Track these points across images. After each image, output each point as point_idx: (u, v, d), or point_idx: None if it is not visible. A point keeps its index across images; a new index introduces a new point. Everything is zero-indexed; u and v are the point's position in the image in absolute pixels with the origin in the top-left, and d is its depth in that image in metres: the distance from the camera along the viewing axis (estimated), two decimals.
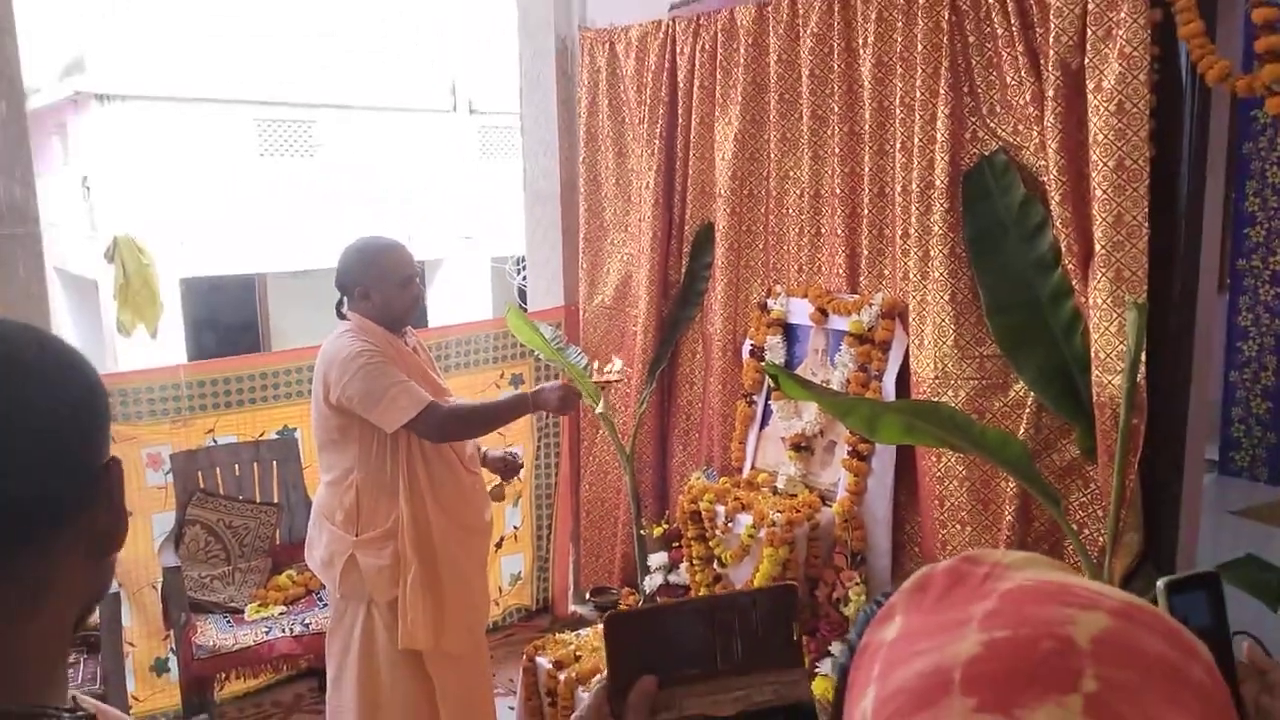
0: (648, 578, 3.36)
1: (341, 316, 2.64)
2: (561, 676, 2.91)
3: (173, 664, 3.30)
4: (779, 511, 2.90)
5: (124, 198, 7.62)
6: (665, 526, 3.39)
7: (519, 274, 9.64)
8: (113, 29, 7.52)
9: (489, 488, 2.87)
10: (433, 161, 9.96)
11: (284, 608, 3.26)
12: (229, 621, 3.19)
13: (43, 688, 0.68)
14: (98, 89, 7.55)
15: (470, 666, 2.75)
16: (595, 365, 3.20)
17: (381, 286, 2.58)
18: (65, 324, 7.58)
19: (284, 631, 3.11)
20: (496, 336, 4.05)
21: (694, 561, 3.11)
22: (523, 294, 9.61)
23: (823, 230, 3.20)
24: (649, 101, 3.66)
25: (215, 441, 3.47)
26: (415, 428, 2.49)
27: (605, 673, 0.73)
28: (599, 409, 3.31)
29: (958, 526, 2.75)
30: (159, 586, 3.21)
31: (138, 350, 6.94)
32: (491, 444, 3.06)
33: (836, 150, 3.07)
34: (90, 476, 0.69)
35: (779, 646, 0.73)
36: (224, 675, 3.08)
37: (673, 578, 3.27)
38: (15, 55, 2.96)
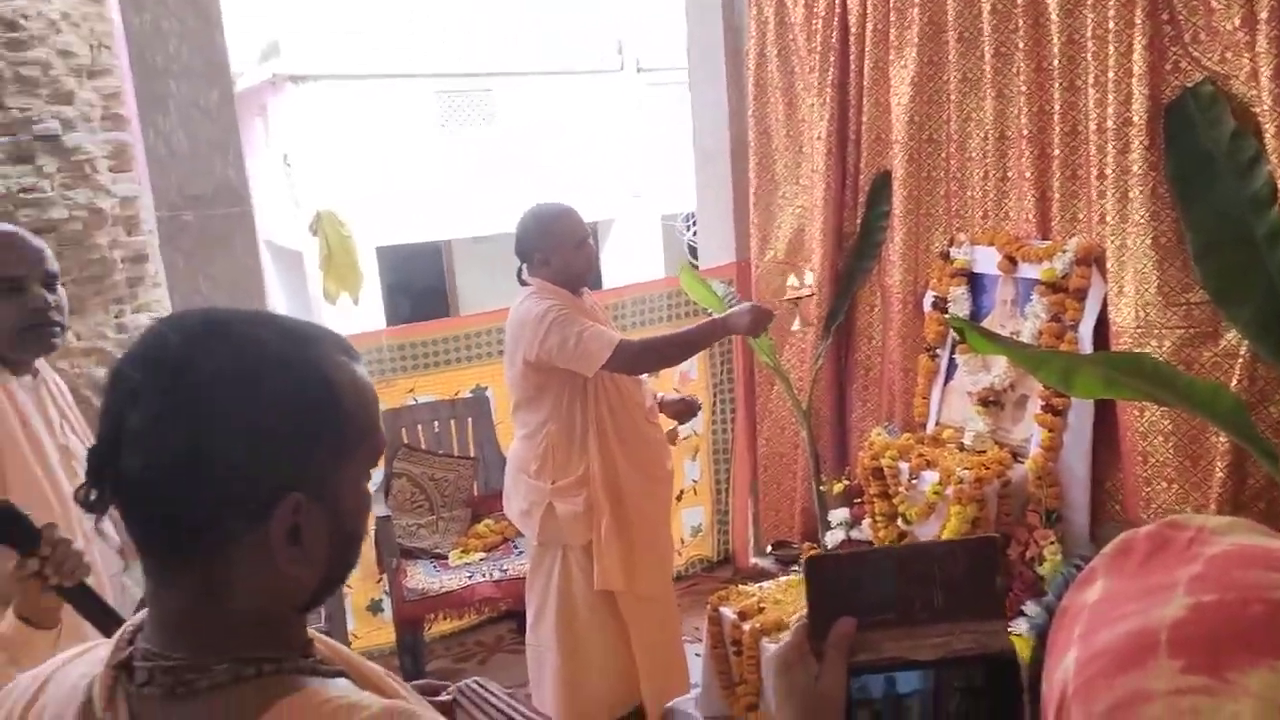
0: (829, 533, 3.37)
1: (523, 283, 2.77)
2: (746, 627, 2.97)
3: (386, 605, 3.59)
4: (966, 469, 2.84)
5: (321, 172, 8.16)
6: (846, 483, 3.38)
7: (689, 230, 9.69)
8: (305, 13, 8.00)
9: (665, 432, 2.97)
10: (602, 121, 10.11)
11: (483, 554, 3.48)
12: (435, 567, 3.43)
13: (259, 645, 0.75)
14: (293, 71, 8.07)
15: (661, 609, 2.88)
16: (791, 281, 3.20)
17: (558, 251, 2.69)
18: (276, 294, 8.21)
19: (485, 576, 3.32)
20: (670, 295, 4.11)
21: (877, 518, 3.10)
22: (693, 250, 9.67)
23: (1009, 174, 3.06)
24: (819, 49, 3.59)
25: (416, 400, 3.72)
26: (613, 364, 2.59)
27: (805, 611, 0.76)
28: (794, 326, 3.33)
29: (1164, 484, 2.62)
30: (371, 533, 3.49)
31: (342, 316, 7.46)
32: (669, 394, 3.16)
33: (1023, 88, 2.93)
34: (270, 495, 0.73)
35: (980, 597, 0.74)
36: (432, 616, 3.33)
37: (855, 534, 3.27)
38: (223, 46, 3.23)
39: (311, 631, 0.82)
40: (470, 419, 3.78)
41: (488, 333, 3.78)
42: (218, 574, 0.73)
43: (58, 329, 1.89)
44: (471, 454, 3.76)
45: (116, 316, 4.17)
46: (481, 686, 1.04)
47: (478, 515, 3.68)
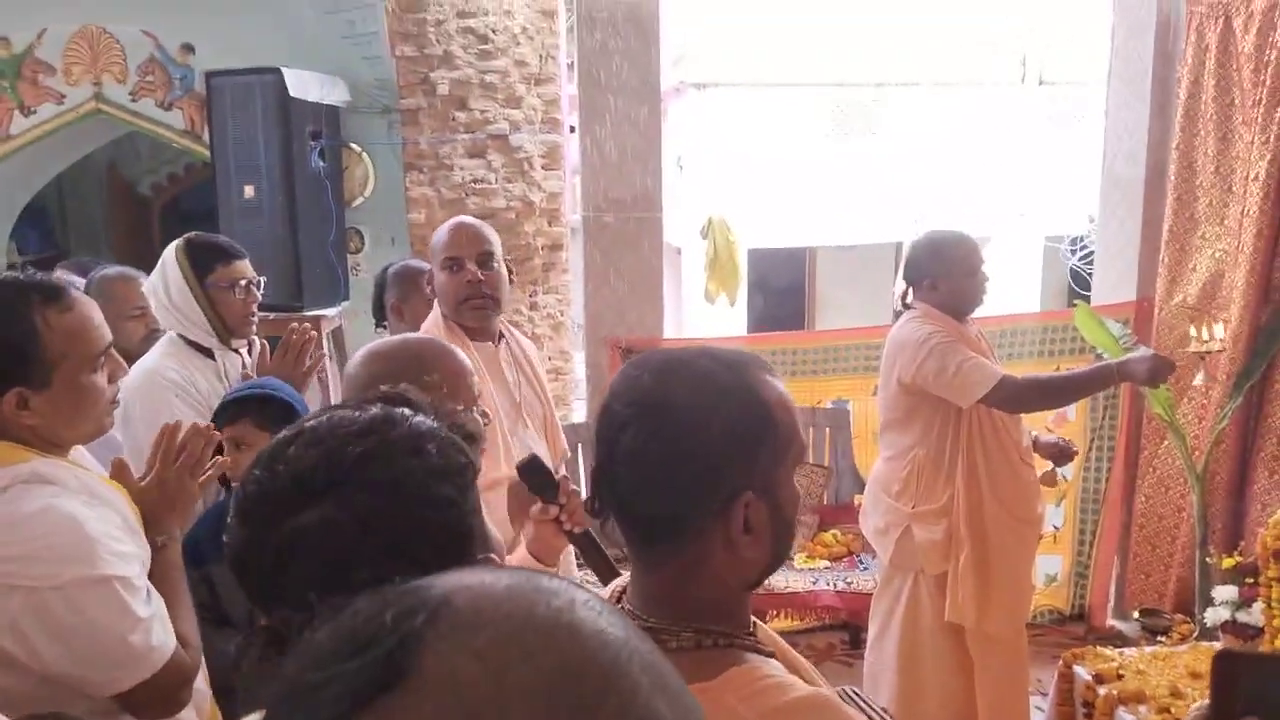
0: (1210, 610, 3.07)
1: (907, 307, 2.80)
2: (1102, 691, 2.81)
3: None
4: None
5: (710, 175, 8.62)
6: (1238, 559, 3.06)
7: (1074, 255, 9.03)
8: (710, 24, 8.47)
9: (1040, 474, 2.87)
10: (993, 135, 9.69)
11: (828, 563, 3.57)
12: (782, 566, 3.58)
13: (717, 620, 0.92)
14: (696, 79, 8.58)
15: (1009, 652, 2.80)
16: (1192, 332, 2.97)
17: (950, 277, 2.69)
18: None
19: (828, 585, 3.41)
20: (1046, 329, 3.92)
21: (1274, 605, 2.78)
22: (1074, 276, 9.00)
23: None
24: (1268, 82, 3.25)
25: None
26: (992, 399, 2.57)
27: (1204, 703, 0.78)
28: (1197, 380, 3.08)
29: None
30: None
31: (710, 313, 7.87)
32: (1043, 433, 3.04)
33: None
34: (728, 496, 0.90)
35: None
36: (774, 612, 3.47)
37: (1242, 616, 2.95)
38: (658, 66, 3.56)
39: (756, 621, 0.97)
40: (828, 429, 3.87)
41: (855, 348, 3.84)
42: (689, 561, 0.92)
43: (487, 301, 2.19)
44: (826, 463, 3.85)
45: (531, 296, 4.76)
46: (858, 694, 1.14)
47: (825, 524, 3.77)
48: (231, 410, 1.95)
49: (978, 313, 2.79)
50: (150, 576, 1.43)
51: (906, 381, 2.66)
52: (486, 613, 0.40)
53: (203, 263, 2.37)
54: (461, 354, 1.56)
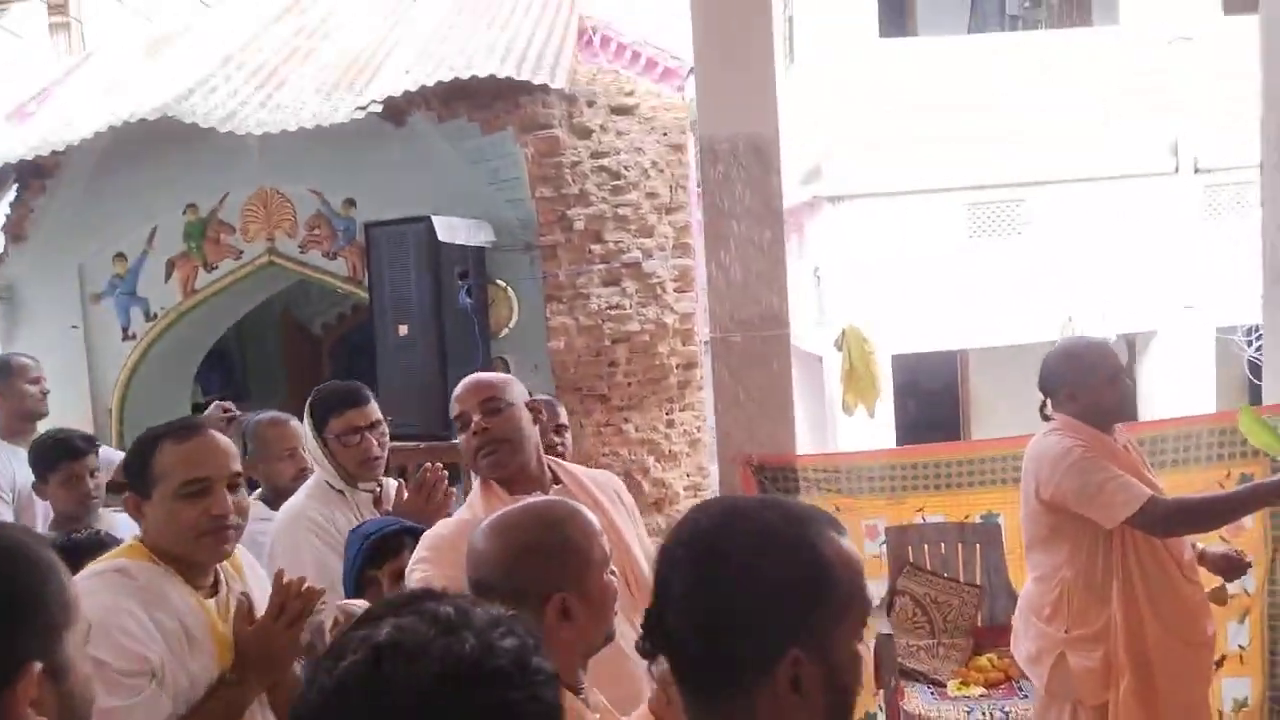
0: None
1: (1046, 418, 2.69)
2: None
3: (880, 718, 3.62)
4: None
5: (848, 286, 8.62)
6: None
7: (1250, 346, 8.43)
8: (843, 138, 8.60)
9: (1209, 590, 2.65)
10: (1149, 227, 9.31)
11: (984, 690, 3.36)
12: (933, 694, 3.40)
13: None
14: (830, 192, 8.68)
15: None
16: None
17: (1088, 386, 2.58)
18: (796, 399, 8.76)
19: (984, 715, 3.21)
20: (1221, 432, 3.65)
21: None
22: (1253, 367, 8.39)
23: None
24: None
25: (924, 519, 3.75)
26: (1137, 521, 2.43)
27: None
28: None
29: None
30: (871, 647, 3.57)
31: (855, 424, 7.73)
32: (1210, 542, 2.82)
33: None
34: (775, 650, 0.89)
35: None
36: None
37: None
38: (779, 192, 3.64)
39: None
40: (979, 545, 3.70)
41: (1004, 458, 3.69)
42: (735, 713, 0.91)
43: (500, 446, 2.04)
44: (978, 581, 3.68)
45: (667, 414, 4.84)
46: None
47: (980, 647, 3.57)
48: (389, 546, 2.07)
49: (1149, 404, 2.66)
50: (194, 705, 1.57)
51: (1046, 499, 2.54)
52: None
53: (320, 414, 2.53)
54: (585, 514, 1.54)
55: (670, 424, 4.87)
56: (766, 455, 3.71)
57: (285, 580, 1.69)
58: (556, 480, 2.13)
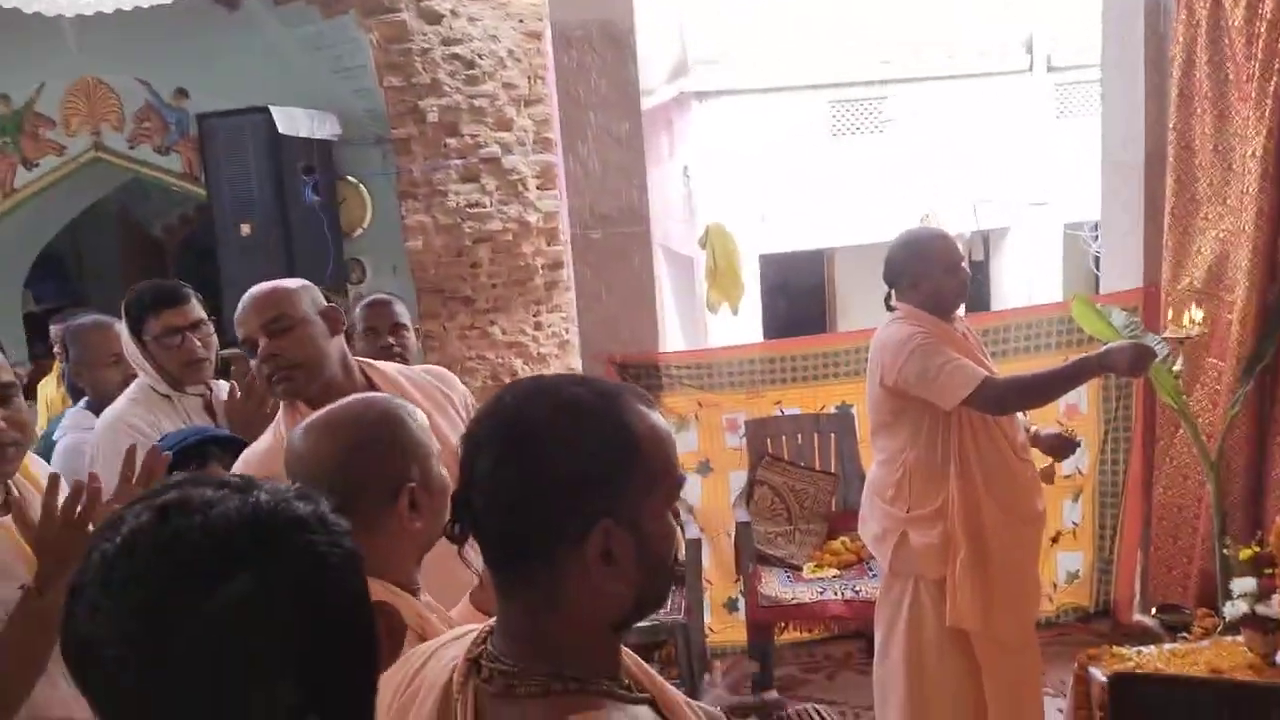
0: (1229, 604, 2.97)
1: (890, 309, 2.76)
2: None
3: (741, 604, 3.75)
4: None
5: (716, 183, 8.61)
6: (1256, 549, 2.96)
7: (1095, 241, 8.89)
8: (709, 34, 8.48)
9: (1040, 470, 2.80)
10: (1003, 125, 9.60)
11: (837, 571, 3.51)
12: (789, 577, 3.53)
13: (574, 662, 0.88)
14: (697, 88, 8.58)
15: (1019, 657, 2.73)
16: (1168, 315, 2.92)
17: (929, 275, 2.64)
18: (668, 298, 8.78)
19: (836, 594, 3.35)
20: (1062, 320, 3.84)
21: None
22: (1098, 261, 8.86)
23: None
24: (1260, 55, 3.16)
25: (782, 411, 3.84)
26: (974, 401, 2.52)
27: None
28: (1175, 367, 3.01)
29: None
30: (732, 535, 3.67)
31: (725, 321, 7.83)
32: (1045, 425, 2.97)
33: None
34: (585, 522, 0.86)
35: None
36: (783, 624, 3.43)
37: (1261, 608, 2.85)
38: (635, 80, 3.55)
39: (629, 658, 0.94)
40: (833, 434, 3.82)
41: (859, 351, 3.78)
42: (545, 589, 0.88)
43: (293, 373, 1.88)
44: (832, 469, 3.80)
45: (534, 315, 4.76)
46: (820, 714, 1.09)
47: (834, 531, 3.71)
48: (190, 458, 1.92)
49: (1000, 298, 2.74)
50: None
51: (889, 385, 2.62)
52: None
53: (136, 314, 2.36)
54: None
55: (538, 326, 4.79)
56: (629, 354, 3.70)
57: (57, 484, 1.56)
58: (372, 386, 1.98)
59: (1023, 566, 2.73)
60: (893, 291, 2.74)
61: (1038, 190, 9.88)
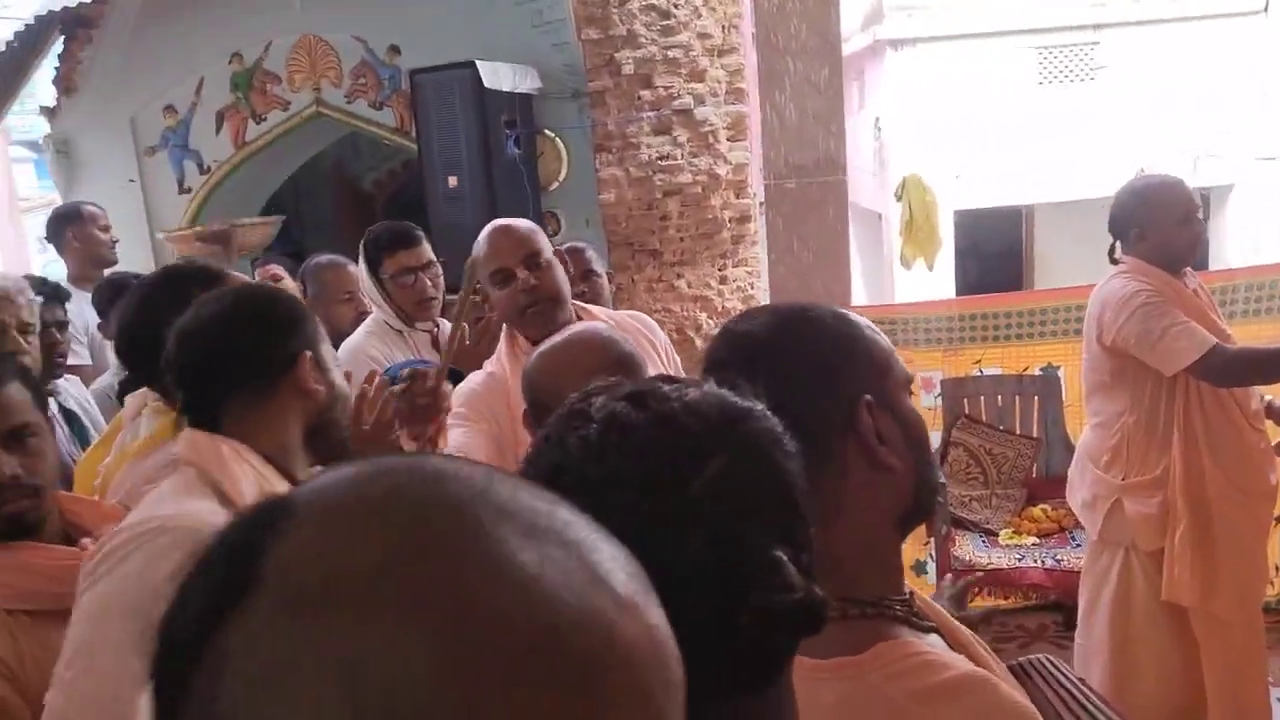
0: None
1: (1114, 261, 2.59)
2: None
3: (929, 567, 3.67)
4: None
5: (910, 137, 8.29)
6: None
7: None
8: None
9: (1276, 443, 2.59)
10: (1230, 73, 8.76)
11: (1036, 539, 3.37)
12: (984, 542, 3.42)
13: (865, 580, 0.86)
14: (892, 36, 8.26)
15: (1241, 637, 2.55)
16: None
17: (1159, 225, 2.46)
18: (854, 255, 8.60)
19: (1035, 562, 3.23)
20: None
21: None
22: None
23: None
24: None
25: (981, 372, 3.69)
26: (1196, 370, 2.35)
27: None
28: None
29: None
30: None
31: (914, 280, 7.58)
32: None
33: None
34: (847, 403, 0.88)
35: None
36: (976, 590, 3.32)
37: None
38: (838, 24, 3.45)
39: (915, 590, 0.93)
40: (1037, 397, 3.65)
41: (1066, 309, 3.59)
42: (828, 493, 0.84)
43: (549, 305, 1.99)
44: (1034, 434, 3.64)
45: (720, 270, 4.76)
46: (1053, 664, 1.06)
47: (1034, 498, 3.56)
48: None
49: (1223, 257, 2.54)
50: None
51: (1108, 344, 2.47)
52: (319, 506, 0.38)
53: (373, 253, 2.53)
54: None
55: (724, 280, 4.79)
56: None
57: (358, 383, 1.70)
58: None
59: (1249, 543, 2.55)
60: (1118, 243, 2.57)
61: (1267, 144, 8.99)
